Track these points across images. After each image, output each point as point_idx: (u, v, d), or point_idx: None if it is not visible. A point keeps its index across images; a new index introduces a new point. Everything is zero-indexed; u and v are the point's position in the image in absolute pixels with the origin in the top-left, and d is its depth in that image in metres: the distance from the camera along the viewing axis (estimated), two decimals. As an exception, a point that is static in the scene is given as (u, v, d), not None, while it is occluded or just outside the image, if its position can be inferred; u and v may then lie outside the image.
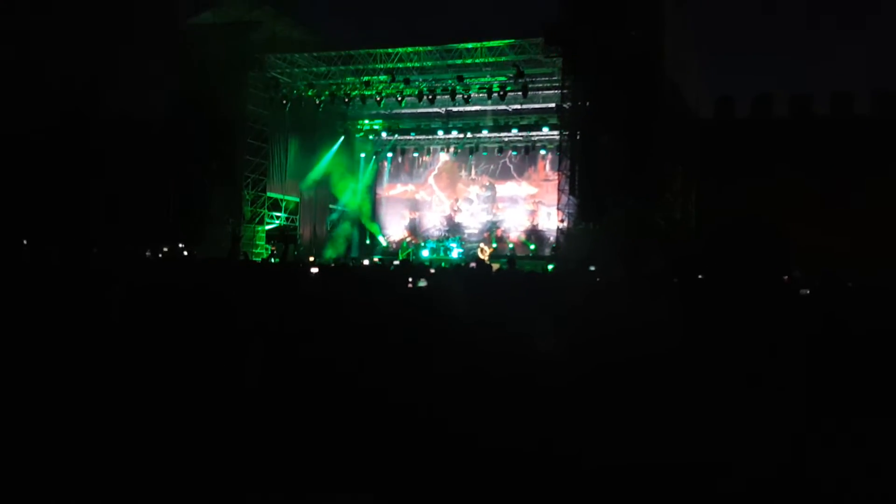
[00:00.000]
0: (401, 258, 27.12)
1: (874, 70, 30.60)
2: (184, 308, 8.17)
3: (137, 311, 8.06)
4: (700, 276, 14.16)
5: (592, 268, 16.73)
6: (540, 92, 25.59)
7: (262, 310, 7.77)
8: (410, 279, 9.29)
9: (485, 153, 30.62)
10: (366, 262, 24.77)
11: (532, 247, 28.94)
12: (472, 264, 18.00)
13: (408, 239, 30.05)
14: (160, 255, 21.62)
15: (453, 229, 30.72)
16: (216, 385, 5.29)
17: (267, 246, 26.77)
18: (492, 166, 30.91)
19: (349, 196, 31.24)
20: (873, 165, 19.84)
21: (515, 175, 30.55)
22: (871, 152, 20.10)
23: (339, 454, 4.48)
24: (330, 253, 28.81)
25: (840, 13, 33.82)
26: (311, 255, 26.95)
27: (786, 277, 11.07)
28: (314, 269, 14.76)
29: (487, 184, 31.04)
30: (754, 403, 5.30)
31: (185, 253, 22.62)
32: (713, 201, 21.25)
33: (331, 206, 30.98)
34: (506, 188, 30.76)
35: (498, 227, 30.31)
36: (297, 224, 29.11)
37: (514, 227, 30.27)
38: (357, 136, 31.61)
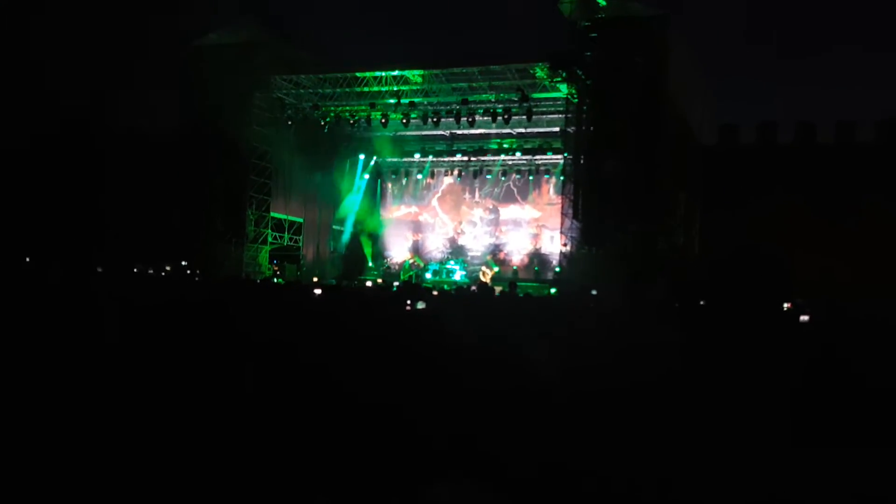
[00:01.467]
0: (403, 279, 27.10)
1: (879, 98, 30.67)
2: (182, 326, 8.17)
3: (138, 329, 8.05)
4: (702, 302, 14.11)
5: (594, 292, 16.69)
6: (544, 116, 25.66)
7: (261, 328, 7.76)
8: (409, 301, 9.27)
9: (489, 176, 30.67)
10: (368, 283, 24.76)
11: (536, 269, 28.90)
12: (473, 288, 17.96)
13: (410, 260, 30.03)
14: (162, 273, 21.68)
15: (456, 251, 30.70)
16: (210, 404, 5.27)
17: (269, 266, 26.77)
18: (495, 189, 30.95)
19: (351, 218, 31.34)
20: (877, 193, 19.85)
21: (519, 198, 30.57)
22: (876, 180, 20.13)
23: (333, 464, 4.46)
24: (332, 274, 28.84)
25: (845, 42, 33.96)
26: (314, 276, 26.96)
27: (787, 305, 11.02)
28: (317, 291, 14.71)
29: (491, 207, 31.07)
30: (750, 430, 5.27)
31: (188, 271, 22.65)
32: (717, 227, 21.27)
33: (334, 227, 31.06)
34: (509, 211, 30.77)
35: (501, 250, 30.28)
36: (301, 244, 29.15)
37: (517, 250, 30.23)
38: (362, 157, 31.69)
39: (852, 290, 17.07)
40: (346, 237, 31.37)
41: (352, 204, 31.49)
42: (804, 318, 9.36)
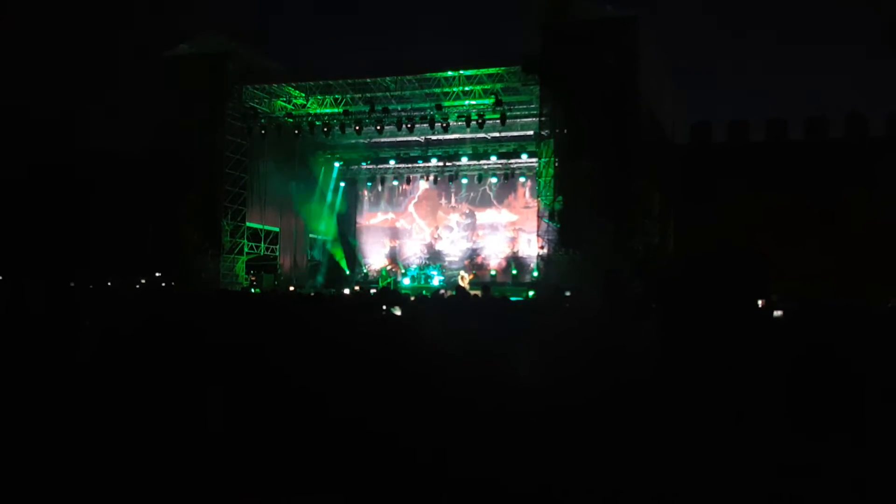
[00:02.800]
0: (381, 286, 27.01)
1: (850, 94, 31.11)
2: (155, 342, 8.04)
3: (109, 347, 7.92)
4: (679, 302, 14.14)
5: (568, 293, 16.72)
6: (518, 120, 25.71)
7: (232, 342, 7.65)
8: (385, 306, 9.21)
9: (464, 181, 30.69)
10: (346, 291, 24.64)
11: (514, 273, 28.94)
12: (443, 291, 17.94)
13: (388, 267, 29.95)
14: (137, 287, 21.44)
15: (434, 257, 30.69)
16: (179, 424, 5.17)
17: (246, 276, 26.54)
18: (471, 194, 30.98)
19: (327, 226, 31.24)
20: (848, 187, 20.09)
21: (495, 202, 30.62)
22: (847, 174, 20.36)
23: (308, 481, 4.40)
24: (310, 283, 28.69)
25: (813, 41, 34.39)
26: (291, 285, 26.80)
27: (761, 302, 11.08)
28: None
29: (467, 211, 31.09)
30: (732, 432, 5.25)
31: (163, 284, 22.42)
32: (691, 225, 21.38)
33: (311, 235, 30.91)
34: (486, 215, 30.81)
35: (478, 255, 30.31)
36: (277, 254, 28.97)
37: (495, 254, 30.28)
38: (337, 165, 31.62)
39: (827, 283, 17.23)
40: (323, 246, 31.24)
41: (327, 212, 31.39)
42: (778, 312, 9.42)
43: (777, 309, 9.36)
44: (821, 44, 33.41)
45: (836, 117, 21.51)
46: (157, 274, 23.00)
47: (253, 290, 24.76)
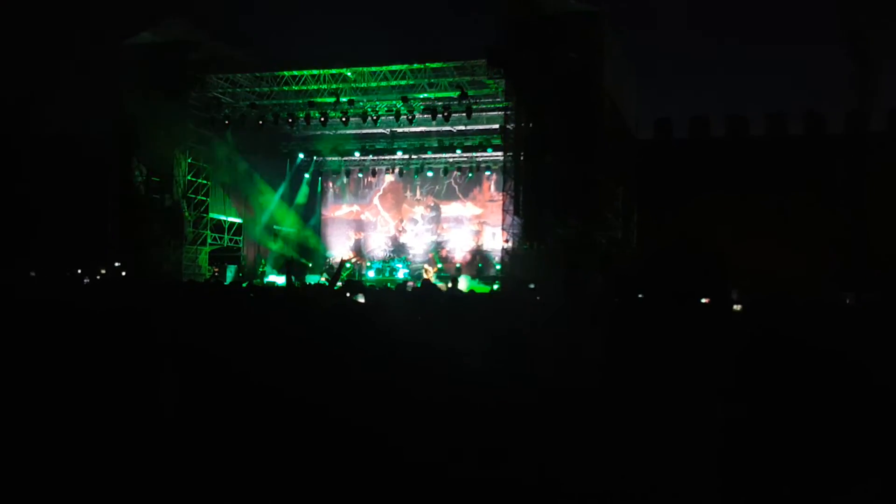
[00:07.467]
0: (343, 278, 26.92)
1: (807, 91, 31.61)
2: (110, 330, 7.95)
3: (66, 335, 7.82)
4: (639, 296, 14.32)
5: (532, 286, 16.84)
6: (484, 113, 25.72)
7: (186, 330, 7.59)
8: (348, 293, 9.23)
9: (430, 174, 30.66)
10: (310, 282, 24.51)
11: (479, 266, 29.03)
12: (409, 283, 17.96)
13: (352, 259, 29.81)
14: (97, 277, 21.18)
15: (398, 250, 30.67)
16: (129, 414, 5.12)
17: (209, 268, 26.28)
18: (437, 187, 31.00)
19: (291, 217, 31.03)
20: (806, 183, 20.44)
21: (460, 196, 30.68)
22: (805, 170, 20.73)
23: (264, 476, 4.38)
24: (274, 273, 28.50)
25: (773, 38, 34.85)
26: (255, 277, 26.61)
27: (705, 300, 11.26)
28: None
29: (432, 204, 31.10)
30: (689, 429, 5.32)
31: (123, 274, 22.13)
32: (654, 220, 21.63)
33: (275, 227, 30.65)
34: (451, 209, 30.85)
35: (443, 248, 30.35)
36: (241, 245, 28.74)
37: (459, 247, 30.34)
38: (301, 155, 31.37)
39: (784, 279, 17.52)
40: (288, 237, 31.05)
41: (291, 204, 31.20)
42: (737, 307, 9.59)
43: (736, 304, 9.53)
44: (783, 43, 33.87)
45: (796, 113, 21.88)
46: (117, 264, 22.66)
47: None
